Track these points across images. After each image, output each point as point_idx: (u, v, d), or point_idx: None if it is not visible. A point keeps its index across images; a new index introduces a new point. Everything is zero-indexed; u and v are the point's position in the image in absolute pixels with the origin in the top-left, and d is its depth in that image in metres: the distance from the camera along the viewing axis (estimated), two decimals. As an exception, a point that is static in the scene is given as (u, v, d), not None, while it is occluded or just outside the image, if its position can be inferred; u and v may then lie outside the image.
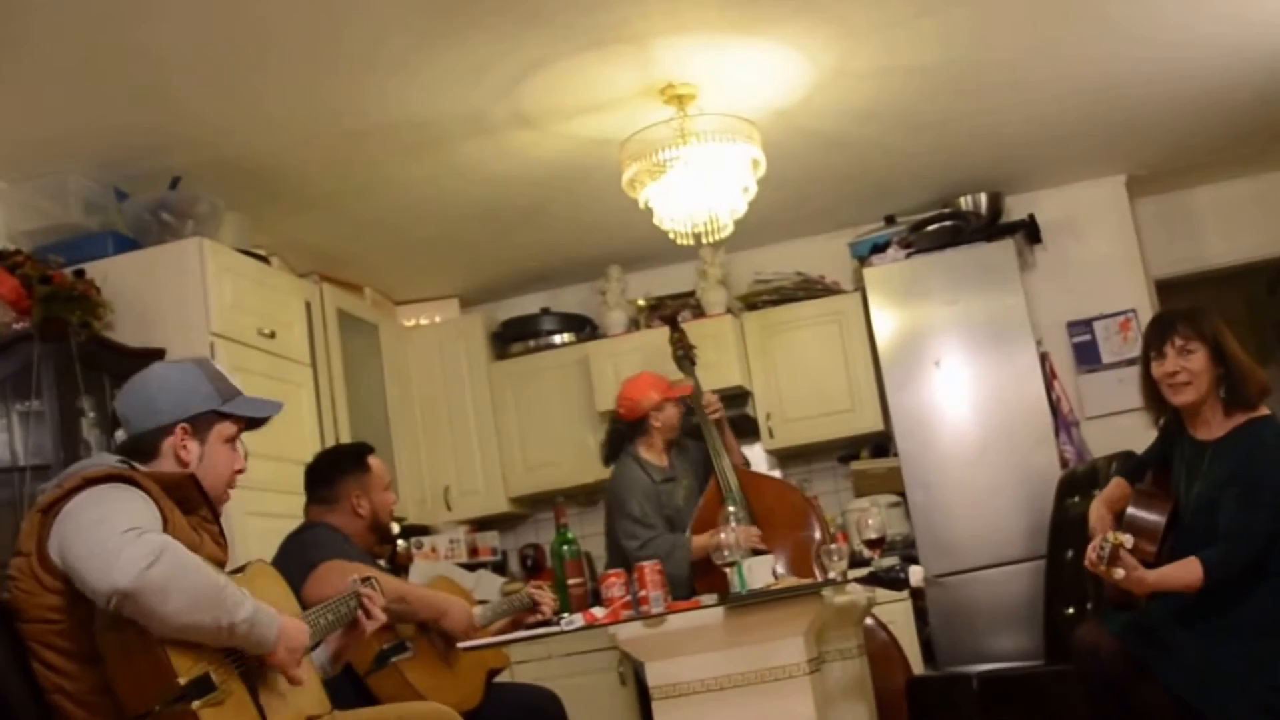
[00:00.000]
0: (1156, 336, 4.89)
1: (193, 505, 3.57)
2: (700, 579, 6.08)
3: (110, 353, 5.51)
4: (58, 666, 3.31)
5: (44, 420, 5.14)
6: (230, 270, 5.98)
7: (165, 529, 3.32)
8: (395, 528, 5.58)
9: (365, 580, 4.12)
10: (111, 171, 5.91)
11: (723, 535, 4.91)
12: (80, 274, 5.56)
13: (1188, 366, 4.78)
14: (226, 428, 3.80)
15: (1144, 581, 4.48)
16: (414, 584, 5.47)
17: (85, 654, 3.27)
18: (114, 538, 3.11)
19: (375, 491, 5.27)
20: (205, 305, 5.77)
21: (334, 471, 5.27)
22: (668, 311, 7.38)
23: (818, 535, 6.29)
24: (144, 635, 3.13)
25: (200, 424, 3.73)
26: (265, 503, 5.68)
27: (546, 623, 5.32)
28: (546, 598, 5.58)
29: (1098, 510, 5.05)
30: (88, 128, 5.51)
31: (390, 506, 5.37)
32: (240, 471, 3.87)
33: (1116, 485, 5.12)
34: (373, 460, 5.35)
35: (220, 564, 3.56)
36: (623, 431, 6.76)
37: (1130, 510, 4.87)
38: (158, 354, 5.57)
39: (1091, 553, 4.48)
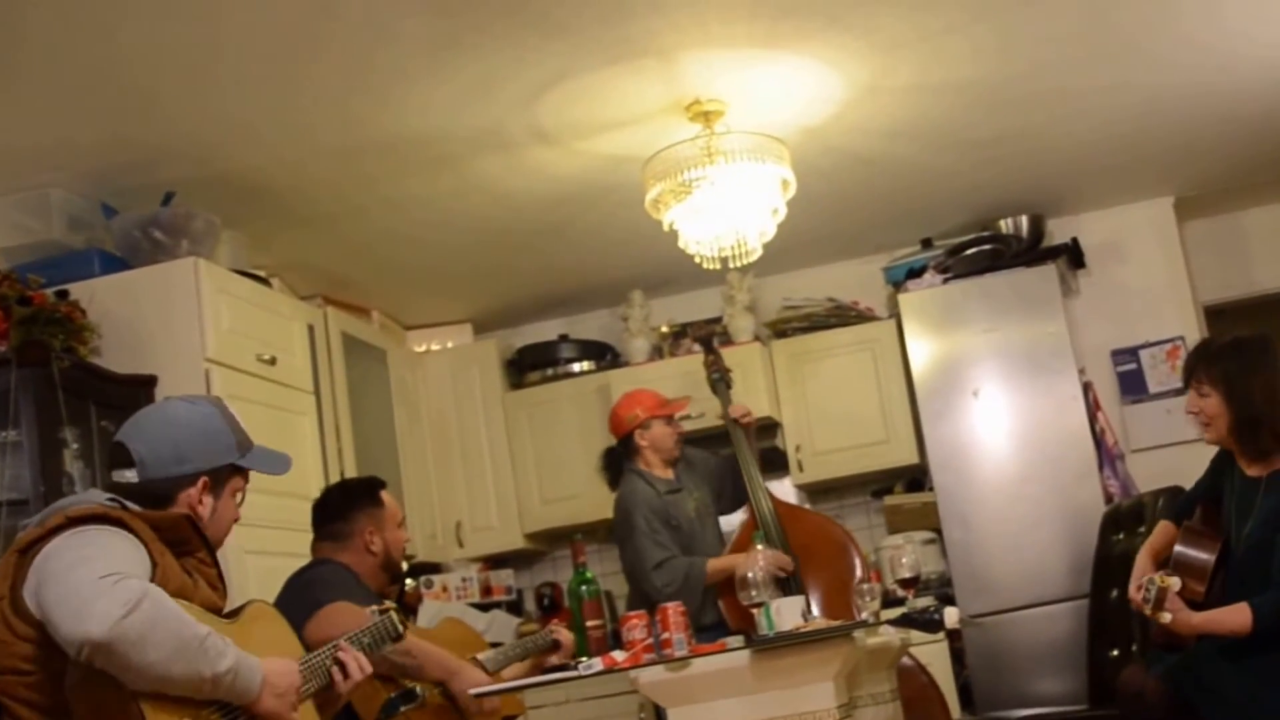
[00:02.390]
0: (1183, 374, 4.98)
1: (189, 547, 3.42)
2: (727, 598, 6.02)
3: (96, 380, 5.33)
4: (28, 723, 3.14)
5: (22, 452, 4.96)
6: (227, 292, 5.82)
7: (154, 573, 3.19)
8: (404, 566, 5.35)
9: (384, 612, 3.97)
10: (99, 185, 5.74)
11: (748, 573, 4.83)
12: (64, 295, 5.40)
13: (1204, 409, 4.81)
14: (238, 481, 3.72)
15: (1189, 624, 4.46)
16: (421, 630, 5.22)
17: (58, 709, 3.11)
18: (89, 584, 2.96)
19: (388, 528, 5.08)
20: (200, 329, 5.60)
21: (346, 506, 5.08)
22: (703, 333, 7.19)
23: (859, 572, 6.22)
24: (118, 690, 2.99)
25: (219, 477, 3.63)
26: (265, 540, 5.54)
27: (564, 666, 5.15)
28: (567, 636, 5.43)
29: (1142, 562, 4.97)
30: (73, 138, 5.35)
31: (403, 544, 5.20)
32: (236, 520, 3.76)
33: (1162, 531, 5.07)
34: (385, 495, 5.16)
35: (217, 608, 3.43)
36: (616, 452, 6.66)
37: (1178, 548, 4.79)
38: (148, 381, 5.45)
39: (1136, 593, 4.50)
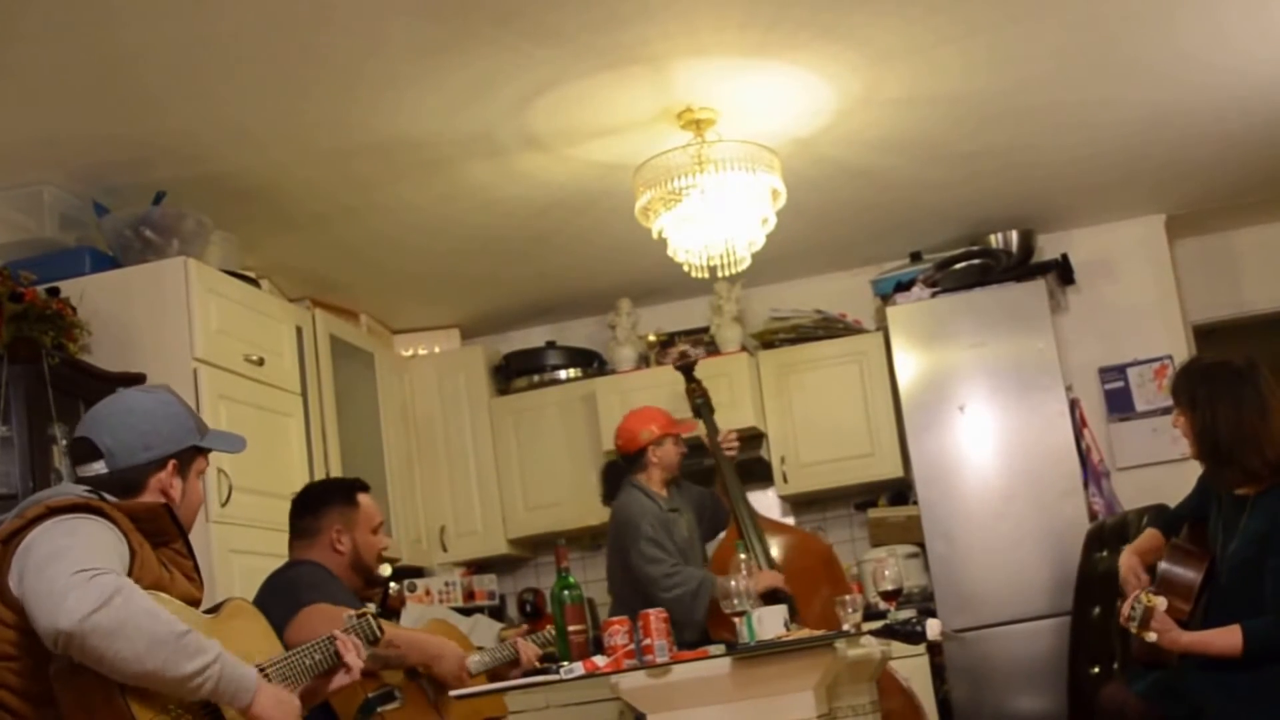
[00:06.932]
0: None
1: (166, 538, 3.43)
2: (714, 623, 6.00)
3: (86, 377, 5.30)
4: (12, 707, 3.15)
5: (11, 447, 4.95)
6: (217, 292, 5.80)
7: (133, 563, 3.21)
8: (387, 569, 5.30)
9: (360, 616, 3.92)
10: (91, 184, 5.72)
11: (733, 582, 4.82)
12: (54, 292, 5.36)
13: (1178, 425, 4.81)
14: (201, 462, 3.75)
15: (1178, 643, 4.44)
16: (403, 627, 5.20)
17: (42, 696, 3.12)
18: (63, 578, 3.00)
19: (359, 530, 4.96)
20: (189, 329, 5.59)
21: (319, 502, 5.00)
22: (687, 361, 7.15)
23: (841, 585, 6.25)
24: (103, 682, 3.01)
25: (184, 459, 3.66)
26: (249, 539, 5.56)
27: (545, 670, 5.10)
28: (531, 650, 5.33)
29: (1128, 560, 4.95)
30: (66, 136, 5.34)
31: (376, 549, 5.06)
32: (201, 502, 3.83)
33: (1150, 536, 5.04)
34: (363, 498, 5.05)
35: (194, 600, 3.43)
36: (620, 467, 6.66)
37: (1164, 565, 4.77)
38: (137, 379, 5.41)
39: (1125, 609, 4.46)
